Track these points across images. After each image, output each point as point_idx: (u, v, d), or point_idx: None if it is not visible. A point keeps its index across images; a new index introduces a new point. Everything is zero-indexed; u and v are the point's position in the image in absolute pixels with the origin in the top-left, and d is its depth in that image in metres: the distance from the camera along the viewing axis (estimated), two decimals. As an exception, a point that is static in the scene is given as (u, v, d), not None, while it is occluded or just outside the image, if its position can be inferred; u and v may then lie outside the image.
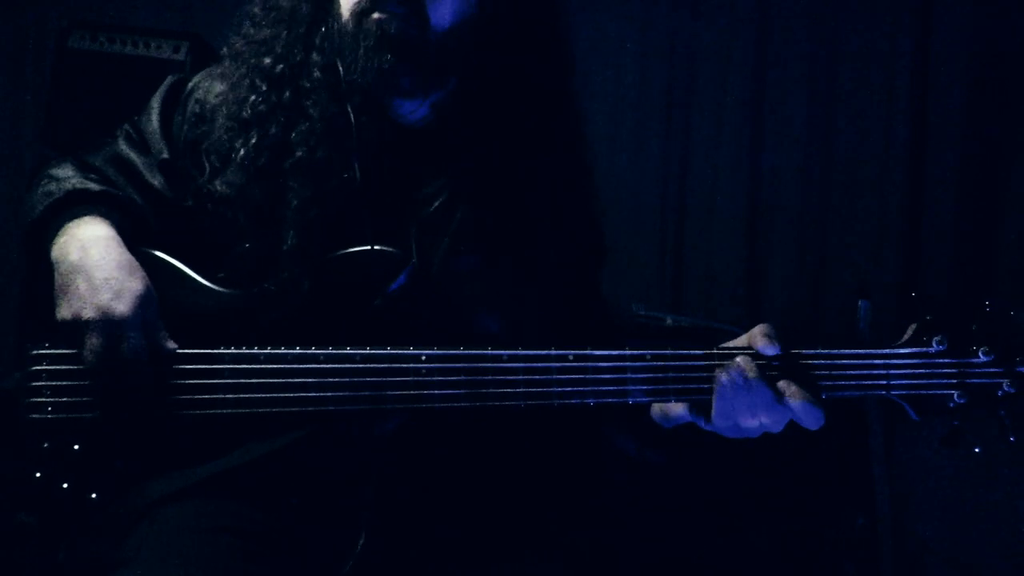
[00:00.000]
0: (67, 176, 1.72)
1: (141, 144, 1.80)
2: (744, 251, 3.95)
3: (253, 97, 1.72)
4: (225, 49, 1.81)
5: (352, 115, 1.67)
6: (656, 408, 1.65)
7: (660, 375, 1.57)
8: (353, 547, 1.56)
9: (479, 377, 1.55)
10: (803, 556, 2.81)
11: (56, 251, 1.62)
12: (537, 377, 1.55)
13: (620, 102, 3.99)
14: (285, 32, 1.74)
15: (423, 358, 1.55)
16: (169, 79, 1.87)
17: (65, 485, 1.57)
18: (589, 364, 1.56)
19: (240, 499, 1.58)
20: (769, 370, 1.55)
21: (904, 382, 1.60)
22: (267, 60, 1.73)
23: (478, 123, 1.71)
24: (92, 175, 1.74)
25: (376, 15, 1.62)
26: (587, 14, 3.86)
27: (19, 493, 1.58)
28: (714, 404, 1.55)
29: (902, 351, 1.60)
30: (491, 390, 1.55)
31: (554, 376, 1.56)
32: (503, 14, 1.71)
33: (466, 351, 1.55)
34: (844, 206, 3.89)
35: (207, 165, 1.72)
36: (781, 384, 1.54)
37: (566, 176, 1.77)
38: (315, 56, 1.71)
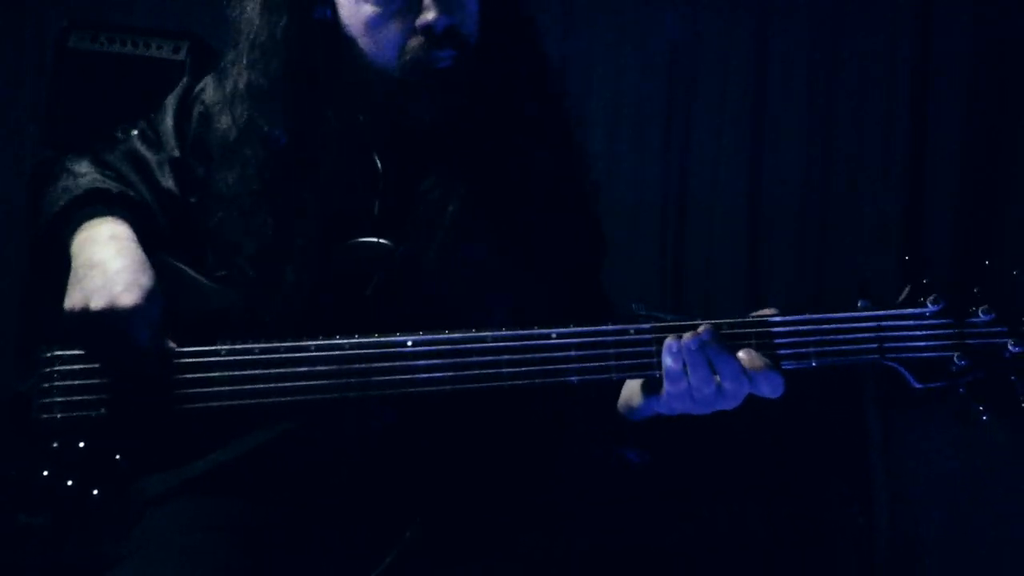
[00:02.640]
0: (84, 172, 1.75)
1: (155, 142, 1.82)
2: (744, 251, 3.95)
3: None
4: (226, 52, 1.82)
5: (360, 117, 1.71)
6: (621, 400, 1.64)
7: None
8: (345, 543, 1.58)
9: (464, 359, 1.56)
10: (798, 547, 2.82)
11: (76, 245, 1.65)
12: (523, 356, 1.55)
13: (620, 102, 3.99)
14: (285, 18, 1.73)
15: (409, 343, 1.56)
16: (185, 79, 1.90)
17: (70, 483, 1.58)
18: (573, 341, 1.55)
19: (236, 496, 1.60)
20: (728, 338, 1.49)
21: (898, 344, 1.50)
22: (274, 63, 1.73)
23: (474, 120, 1.72)
24: (109, 172, 1.77)
25: (435, 64, 1.64)
26: (588, 15, 3.86)
27: (26, 491, 1.59)
28: (665, 373, 1.50)
29: (893, 312, 1.52)
30: (476, 371, 1.55)
31: (540, 355, 1.55)
32: (491, 20, 1.74)
33: (451, 334, 1.57)
34: (844, 206, 3.89)
35: (211, 159, 1.75)
36: (741, 354, 1.48)
37: (562, 173, 1.78)
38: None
